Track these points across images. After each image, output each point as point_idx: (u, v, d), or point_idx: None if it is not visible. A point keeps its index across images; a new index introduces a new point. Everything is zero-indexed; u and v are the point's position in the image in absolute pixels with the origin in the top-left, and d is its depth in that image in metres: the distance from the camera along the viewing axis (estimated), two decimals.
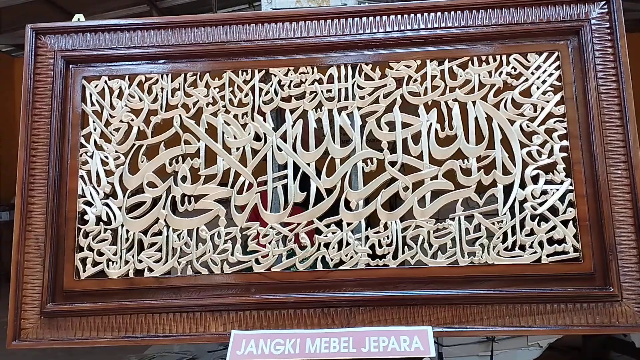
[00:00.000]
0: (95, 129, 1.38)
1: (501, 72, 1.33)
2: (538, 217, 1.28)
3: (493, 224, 1.29)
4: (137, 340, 1.28)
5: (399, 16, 1.35)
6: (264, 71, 1.37)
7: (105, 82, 1.39)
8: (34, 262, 1.31)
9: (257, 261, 1.31)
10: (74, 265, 1.32)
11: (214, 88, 1.38)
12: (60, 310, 1.30)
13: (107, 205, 1.35)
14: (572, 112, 1.29)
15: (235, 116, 1.37)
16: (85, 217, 1.34)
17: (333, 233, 1.31)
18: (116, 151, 1.37)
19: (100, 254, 1.33)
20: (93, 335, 1.29)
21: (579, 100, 1.29)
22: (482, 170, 1.30)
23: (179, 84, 1.38)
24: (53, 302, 1.30)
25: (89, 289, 1.31)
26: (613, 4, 1.30)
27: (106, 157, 1.37)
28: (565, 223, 1.26)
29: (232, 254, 1.32)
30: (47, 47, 1.39)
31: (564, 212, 1.27)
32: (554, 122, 1.30)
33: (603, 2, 1.32)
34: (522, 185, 1.29)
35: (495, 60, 1.33)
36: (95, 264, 1.32)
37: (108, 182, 1.35)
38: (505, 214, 1.28)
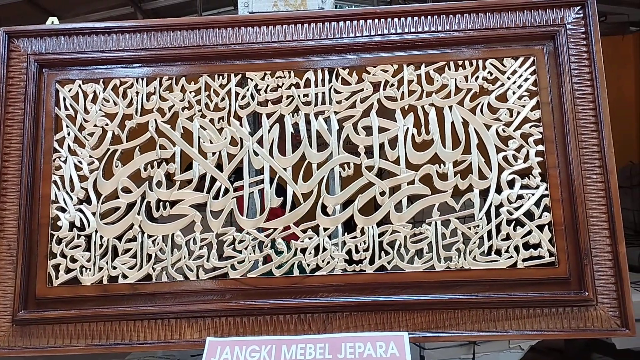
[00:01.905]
0: (69, 134, 1.35)
1: (477, 77, 1.32)
2: (514, 222, 1.28)
3: (469, 228, 1.29)
4: (110, 348, 1.26)
5: (376, 20, 1.34)
6: (240, 75, 1.36)
7: (80, 86, 1.37)
8: (6, 269, 1.28)
9: (233, 267, 1.30)
10: (46, 272, 1.29)
11: (190, 92, 1.36)
12: (32, 318, 1.27)
13: (80, 211, 1.33)
14: (548, 116, 1.29)
15: (212, 121, 1.35)
16: (59, 223, 1.32)
17: (310, 238, 1.30)
18: (90, 156, 1.35)
19: (73, 260, 1.31)
20: (66, 343, 1.27)
21: (555, 104, 1.29)
22: (459, 174, 1.30)
23: (155, 88, 1.36)
24: (25, 309, 1.27)
25: (62, 296, 1.29)
26: (588, 9, 1.31)
27: (80, 162, 1.34)
28: (540, 228, 1.27)
29: (207, 260, 1.30)
30: (20, 50, 1.37)
31: (540, 217, 1.27)
32: (530, 127, 1.30)
33: (578, 7, 1.32)
34: (498, 190, 1.29)
35: (471, 65, 1.33)
36: (68, 270, 1.30)
37: (82, 188, 1.33)
38: (481, 218, 1.29)
